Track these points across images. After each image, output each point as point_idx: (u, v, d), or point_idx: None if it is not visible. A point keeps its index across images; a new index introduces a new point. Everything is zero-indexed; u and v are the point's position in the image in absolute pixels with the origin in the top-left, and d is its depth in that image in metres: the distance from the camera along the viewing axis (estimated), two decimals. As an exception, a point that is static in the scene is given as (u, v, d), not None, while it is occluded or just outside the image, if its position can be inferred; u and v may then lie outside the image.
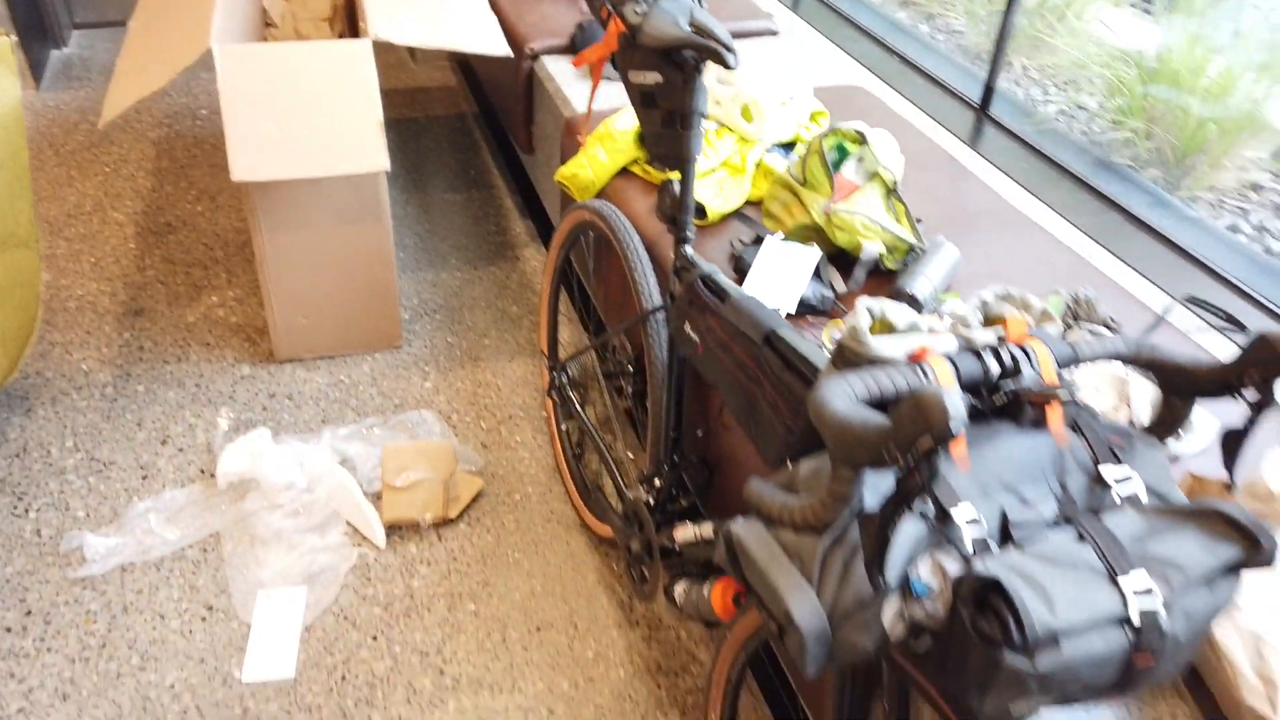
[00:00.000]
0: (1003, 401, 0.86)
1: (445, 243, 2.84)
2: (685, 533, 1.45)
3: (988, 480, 0.83)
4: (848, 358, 0.88)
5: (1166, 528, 0.80)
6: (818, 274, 1.55)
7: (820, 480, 0.86)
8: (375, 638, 1.74)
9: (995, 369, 0.85)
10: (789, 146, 1.93)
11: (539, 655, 1.72)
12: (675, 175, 1.41)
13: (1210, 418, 1.34)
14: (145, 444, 2.10)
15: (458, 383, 2.33)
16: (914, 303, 1.50)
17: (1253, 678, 0.92)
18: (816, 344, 1.21)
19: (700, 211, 1.73)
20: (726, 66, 1.25)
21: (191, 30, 2.00)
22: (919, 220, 1.69)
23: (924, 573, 0.78)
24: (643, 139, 1.44)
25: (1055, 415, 0.88)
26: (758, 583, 0.84)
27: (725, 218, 1.78)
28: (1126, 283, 1.69)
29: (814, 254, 1.55)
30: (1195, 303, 1.63)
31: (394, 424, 2.14)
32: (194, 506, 1.94)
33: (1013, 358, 0.86)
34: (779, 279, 1.52)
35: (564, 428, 2.03)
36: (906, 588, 0.78)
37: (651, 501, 1.56)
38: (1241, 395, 0.87)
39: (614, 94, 2.29)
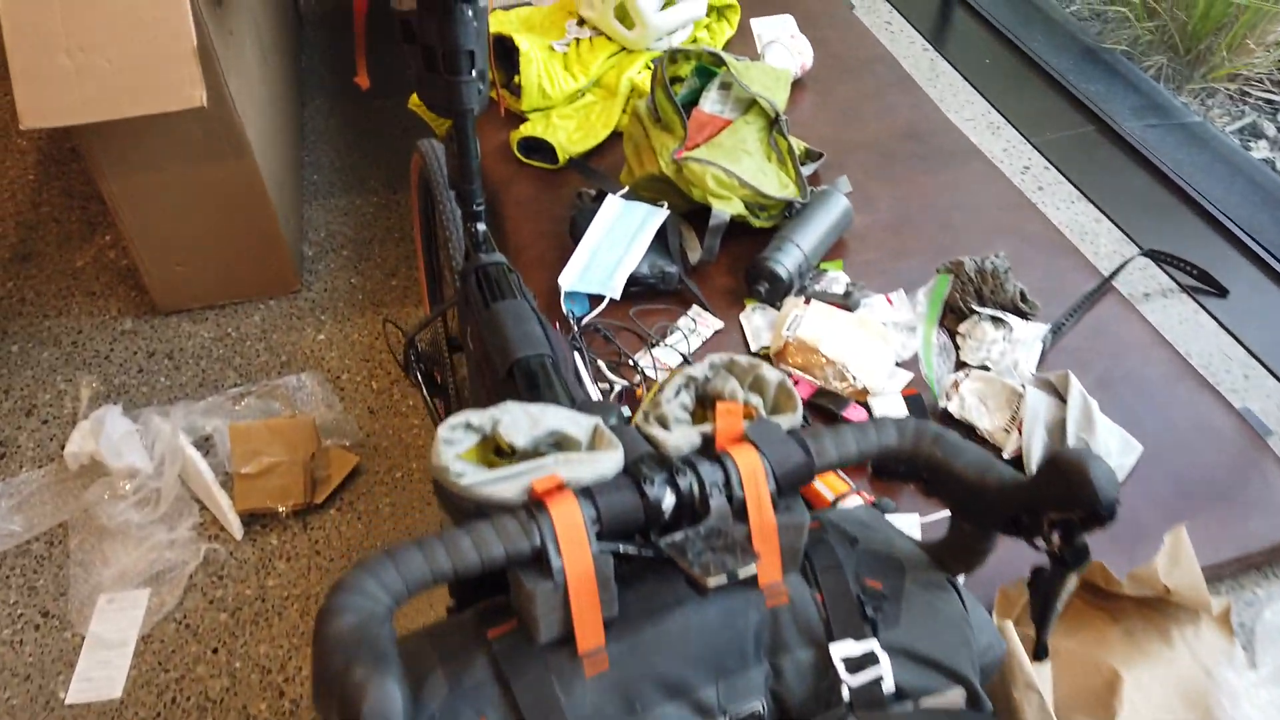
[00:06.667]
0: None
1: (366, 160, 2.53)
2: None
3: (639, 681, 0.55)
4: (450, 498, 0.60)
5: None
6: (666, 241, 1.23)
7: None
8: (216, 650, 1.56)
9: (668, 503, 0.56)
10: (689, 56, 1.55)
11: (395, 670, 1.52)
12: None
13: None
14: (9, 416, 1.92)
15: (354, 334, 2.08)
16: (775, 281, 1.17)
17: None
18: (603, 395, 0.91)
19: (551, 152, 1.40)
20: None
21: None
22: (818, 156, 1.34)
23: None
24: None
25: (769, 564, 0.59)
26: None
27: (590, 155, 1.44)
28: (1083, 228, 1.31)
29: (659, 215, 1.22)
30: (1158, 257, 1.25)
31: (267, 391, 1.90)
32: (45, 492, 1.77)
33: (699, 485, 0.56)
34: (616, 247, 1.20)
35: (437, 404, 1.77)
36: None
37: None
38: (1034, 544, 0.57)
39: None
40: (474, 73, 1.04)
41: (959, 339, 1.12)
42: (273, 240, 2.04)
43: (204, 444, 1.81)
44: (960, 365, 1.11)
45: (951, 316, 1.14)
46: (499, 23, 1.56)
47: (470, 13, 0.99)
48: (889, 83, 1.54)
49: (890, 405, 1.04)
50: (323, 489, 1.73)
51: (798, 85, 1.51)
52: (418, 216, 1.72)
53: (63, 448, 1.83)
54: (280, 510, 1.69)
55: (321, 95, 2.75)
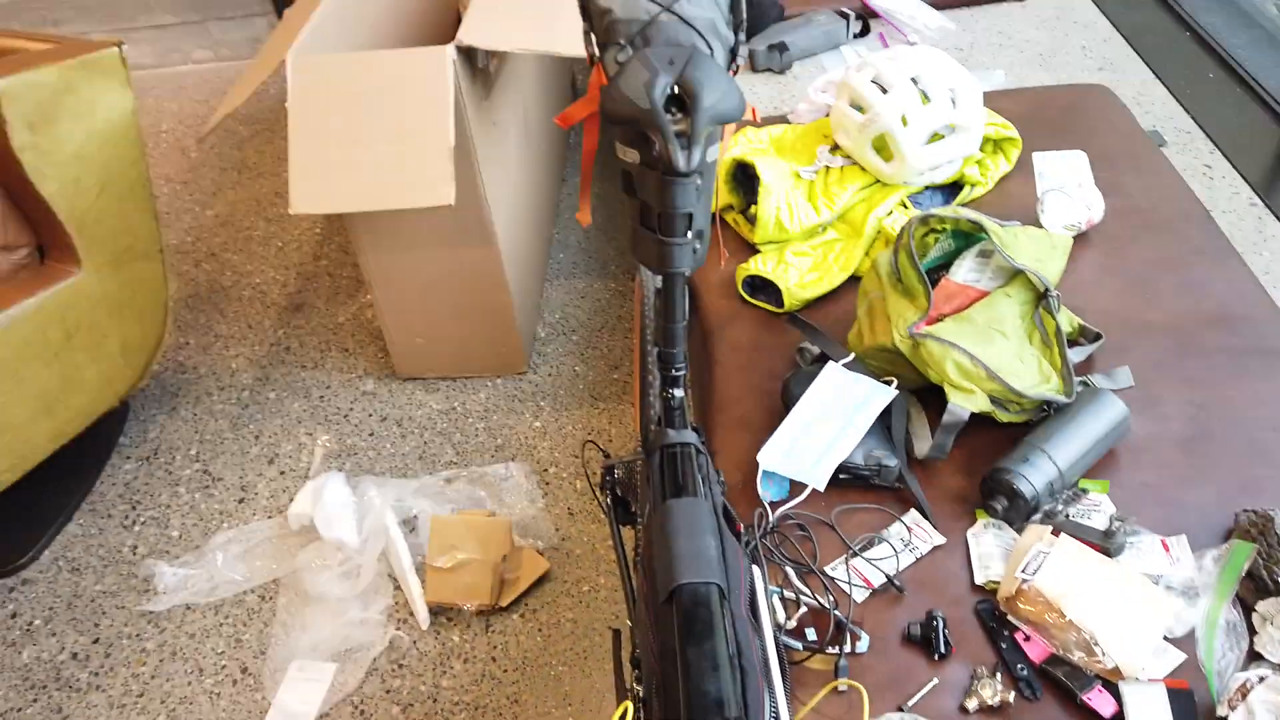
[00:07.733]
0: None
1: (611, 244, 2.53)
2: None
3: None
4: None
5: None
6: (889, 423, 1.05)
7: None
8: (382, 745, 1.57)
9: None
10: (953, 192, 1.37)
11: (542, 814, 1.44)
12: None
13: None
14: (254, 462, 2.07)
15: (569, 426, 2.05)
16: (1017, 499, 0.96)
17: None
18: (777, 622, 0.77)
19: (777, 294, 1.28)
20: (672, 171, 0.82)
21: (291, 29, 1.84)
22: (1095, 337, 1.11)
23: None
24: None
25: None
26: None
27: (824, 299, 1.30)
28: None
29: (885, 395, 1.05)
30: None
31: (477, 477, 1.91)
32: (267, 545, 1.87)
33: None
34: (830, 426, 1.05)
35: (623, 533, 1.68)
36: None
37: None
38: None
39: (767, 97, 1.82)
40: (690, 234, 0.95)
41: (1256, 620, 0.87)
42: (506, 325, 2.07)
43: (410, 522, 1.84)
44: (1254, 658, 0.86)
45: (1248, 584, 0.89)
46: (747, 144, 1.47)
47: (693, 180, 0.89)
48: (1198, 247, 1.27)
49: (1148, 698, 0.82)
50: (510, 591, 1.70)
51: (1080, 240, 1.29)
52: (638, 334, 1.66)
53: (290, 500, 1.94)
54: (466, 608, 1.68)
55: (577, 170, 2.80)
